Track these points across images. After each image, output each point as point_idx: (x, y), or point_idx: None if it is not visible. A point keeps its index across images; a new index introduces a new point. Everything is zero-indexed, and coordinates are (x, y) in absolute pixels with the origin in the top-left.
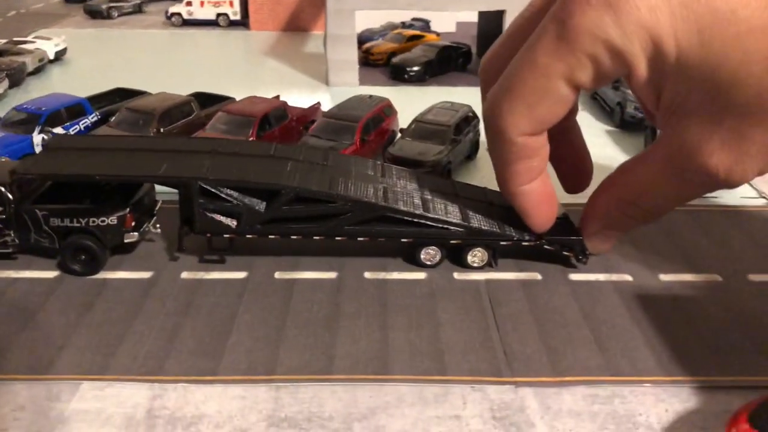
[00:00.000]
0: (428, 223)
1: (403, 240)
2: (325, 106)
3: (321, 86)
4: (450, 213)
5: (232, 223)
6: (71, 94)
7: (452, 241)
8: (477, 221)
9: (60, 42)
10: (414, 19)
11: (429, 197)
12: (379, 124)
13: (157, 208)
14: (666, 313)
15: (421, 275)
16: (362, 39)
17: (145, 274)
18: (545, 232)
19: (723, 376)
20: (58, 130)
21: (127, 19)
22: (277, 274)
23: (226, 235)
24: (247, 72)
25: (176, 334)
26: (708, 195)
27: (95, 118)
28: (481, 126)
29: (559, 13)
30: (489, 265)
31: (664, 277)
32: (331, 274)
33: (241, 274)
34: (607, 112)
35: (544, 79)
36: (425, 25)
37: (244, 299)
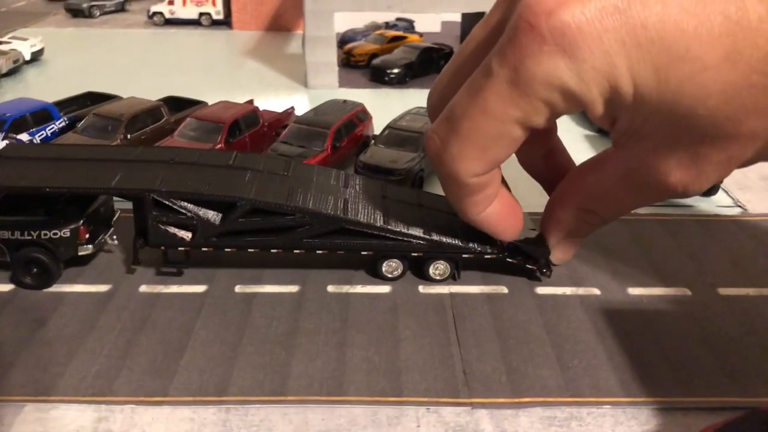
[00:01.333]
0: (389, 235)
1: (363, 252)
2: (303, 109)
3: (300, 88)
4: (412, 225)
5: (187, 235)
6: (44, 96)
7: (414, 254)
8: (439, 233)
9: (36, 42)
10: (398, 20)
11: (391, 208)
12: (352, 130)
13: (114, 219)
14: (632, 329)
15: (385, 289)
16: (345, 39)
17: (103, 288)
18: (508, 245)
19: (685, 397)
20: (24, 136)
21: (110, 18)
22: (238, 288)
23: (181, 248)
24: (226, 74)
25: (129, 351)
26: (682, 204)
27: (63, 124)
28: None
29: (510, 58)
30: (452, 278)
31: (633, 291)
32: (293, 288)
33: (200, 288)
34: (587, 116)
35: (497, 124)
36: (409, 25)
37: (202, 314)
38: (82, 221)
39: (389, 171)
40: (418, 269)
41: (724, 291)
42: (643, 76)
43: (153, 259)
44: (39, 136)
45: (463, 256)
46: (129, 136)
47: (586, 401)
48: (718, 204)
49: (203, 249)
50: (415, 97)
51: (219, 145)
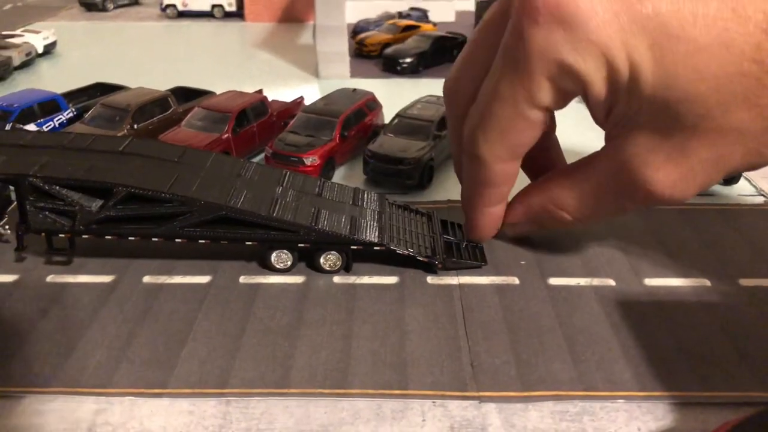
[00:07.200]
0: (274, 224)
1: (247, 243)
2: (313, 99)
3: (311, 78)
4: (301, 215)
5: (67, 221)
6: (56, 89)
7: (300, 245)
8: (329, 224)
9: (49, 35)
10: (412, 9)
11: (283, 197)
12: (362, 119)
13: (10, 209)
14: (648, 320)
15: (392, 279)
16: (358, 30)
17: (107, 278)
18: (388, 242)
19: (703, 392)
20: (31, 126)
21: (123, 11)
22: (242, 279)
23: (62, 235)
24: (238, 65)
25: (130, 343)
26: (703, 193)
27: (71, 114)
28: None
29: (511, 42)
30: (344, 269)
31: (649, 282)
32: (299, 279)
33: (204, 279)
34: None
35: (510, 107)
36: (423, 15)
37: (205, 305)
38: None
39: (399, 160)
40: (310, 260)
41: (746, 282)
42: (639, 52)
43: (157, 250)
44: (47, 127)
45: (352, 247)
46: (136, 126)
47: (600, 395)
48: (740, 193)
49: (84, 236)
50: (428, 87)
51: (226, 135)
